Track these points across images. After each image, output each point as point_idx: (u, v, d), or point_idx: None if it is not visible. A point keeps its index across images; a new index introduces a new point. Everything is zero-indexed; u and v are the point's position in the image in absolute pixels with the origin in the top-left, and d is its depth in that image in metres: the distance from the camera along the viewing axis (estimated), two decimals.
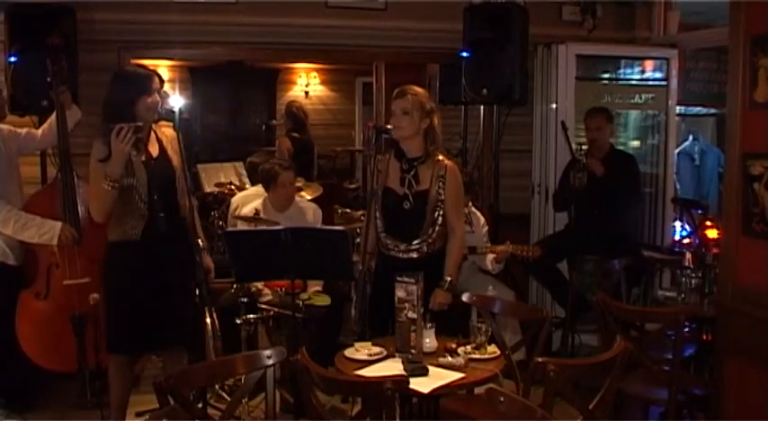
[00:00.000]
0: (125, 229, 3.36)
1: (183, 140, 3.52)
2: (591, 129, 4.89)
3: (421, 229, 3.44)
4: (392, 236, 3.48)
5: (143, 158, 3.37)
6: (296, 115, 7.08)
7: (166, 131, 3.52)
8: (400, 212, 3.45)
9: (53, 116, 4.05)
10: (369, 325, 3.33)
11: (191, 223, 3.53)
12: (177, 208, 3.47)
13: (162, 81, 3.45)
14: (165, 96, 3.49)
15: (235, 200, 5.10)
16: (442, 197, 3.44)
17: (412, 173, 3.45)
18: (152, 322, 3.39)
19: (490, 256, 4.53)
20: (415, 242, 3.44)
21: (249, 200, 4.86)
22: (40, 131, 4.18)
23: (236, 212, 4.85)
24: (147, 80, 3.38)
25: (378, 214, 3.49)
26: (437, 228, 3.46)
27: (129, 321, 3.40)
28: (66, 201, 3.87)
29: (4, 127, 4.08)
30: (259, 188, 4.95)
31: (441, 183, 3.44)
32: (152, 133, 3.46)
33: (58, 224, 3.82)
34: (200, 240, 3.57)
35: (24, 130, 4.17)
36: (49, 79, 3.95)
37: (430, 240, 3.46)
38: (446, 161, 3.49)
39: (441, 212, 3.45)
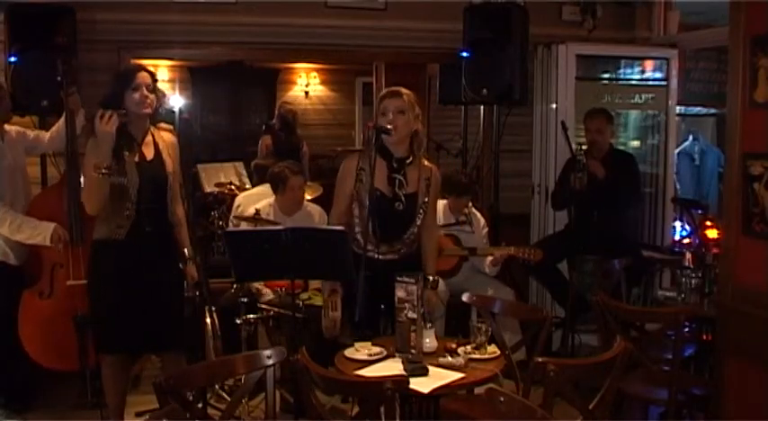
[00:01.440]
0: (111, 228, 3.35)
1: (182, 140, 3.52)
2: (591, 131, 4.85)
3: (407, 230, 3.45)
4: (377, 237, 3.42)
5: (136, 159, 3.36)
6: (284, 117, 7.09)
7: (165, 136, 3.50)
8: (392, 213, 3.41)
9: (61, 120, 4.05)
10: (357, 325, 3.31)
11: (180, 230, 3.54)
12: (165, 212, 3.46)
13: (154, 78, 3.41)
14: (162, 95, 3.46)
15: (239, 199, 5.10)
16: (427, 200, 3.47)
17: (401, 173, 3.42)
18: (138, 323, 3.38)
19: (488, 259, 4.53)
20: (396, 243, 3.44)
21: (253, 200, 4.86)
22: (48, 135, 4.18)
23: (238, 212, 4.85)
24: (132, 75, 3.36)
25: (358, 213, 3.42)
26: (415, 230, 3.48)
27: (113, 322, 3.39)
28: (72, 202, 3.87)
29: (13, 128, 4.09)
30: (264, 188, 4.94)
31: (426, 187, 3.45)
32: (149, 135, 3.45)
33: (51, 225, 3.82)
34: (186, 250, 3.57)
35: (33, 133, 4.18)
36: (59, 78, 3.92)
37: (408, 242, 3.47)
38: (430, 165, 3.53)
39: (423, 215, 3.48)
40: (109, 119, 3.16)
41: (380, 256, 3.42)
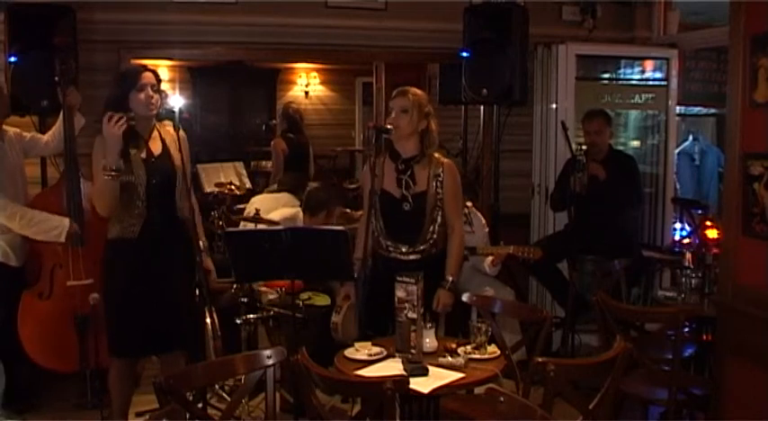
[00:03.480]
0: (123, 227, 3.34)
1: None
2: (590, 133, 4.83)
3: (422, 230, 3.43)
4: (392, 238, 3.46)
5: (143, 156, 3.35)
6: (292, 117, 7.09)
7: (171, 131, 3.48)
8: (400, 214, 3.42)
9: (57, 124, 4.04)
10: (367, 325, 3.32)
11: (191, 224, 3.50)
12: (175, 208, 3.44)
13: (158, 78, 3.40)
14: (164, 95, 3.46)
15: (258, 202, 5.04)
16: (441, 196, 3.43)
17: (408, 173, 3.42)
18: (151, 324, 3.37)
19: (488, 259, 4.53)
20: (418, 244, 3.42)
21: (272, 206, 4.83)
22: (45, 138, 4.17)
23: (253, 213, 4.83)
24: (136, 75, 3.34)
25: (375, 217, 3.43)
26: (437, 228, 3.45)
27: (128, 323, 3.37)
28: (71, 203, 3.86)
29: (11, 129, 4.08)
30: (283, 196, 4.93)
31: (438, 182, 3.42)
32: (155, 131, 3.44)
33: (66, 220, 3.80)
34: (201, 242, 3.55)
35: (29, 135, 4.17)
36: (57, 78, 3.90)
37: (432, 241, 3.45)
38: (442, 159, 3.47)
39: (440, 212, 3.44)
40: (117, 121, 3.14)
41: (402, 257, 3.44)
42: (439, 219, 3.45)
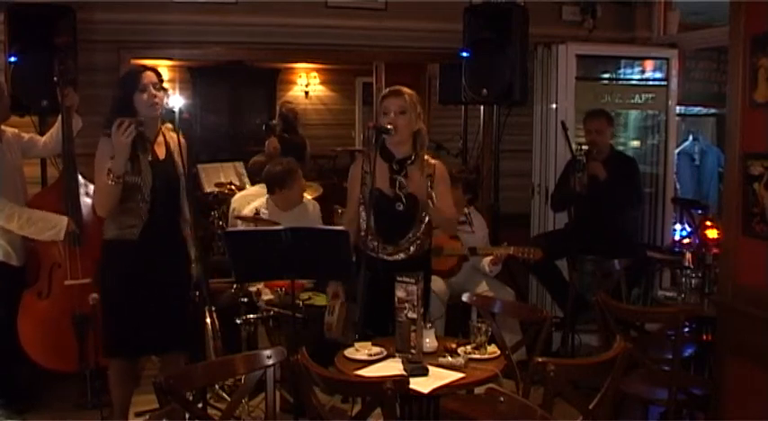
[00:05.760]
0: (122, 228, 3.34)
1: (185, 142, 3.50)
2: (591, 132, 4.85)
3: (410, 231, 3.45)
4: (380, 238, 3.44)
5: (150, 158, 3.35)
6: (286, 116, 7.12)
7: (174, 136, 3.49)
8: (392, 214, 3.42)
9: (56, 126, 4.04)
10: (367, 325, 3.31)
11: (189, 231, 3.51)
12: (179, 212, 3.46)
13: (160, 77, 3.40)
14: (167, 93, 3.45)
15: (235, 200, 5.09)
16: (431, 192, 3.40)
17: (402, 174, 3.42)
18: (147, 325, 3.37)
19: (487, 259, 4.53)
20: (404, 245, 3.44)
21: (249, 200, 4.85)
22: (43, 139, 4.17)
23: (234, 214, 4.85)
24: (137, 76, 3.35)
25: (365, 215, 3.40)
26: (422, 227, 3.47)
27: (124, 324, 3.38)
28: (69, 203, 3.86)
29: (9, 130, 4.08)
30: (259, 188, 4.93)
31: (429, 183, 3.41)
32: (161, 135, 3.44)
33: (65, 219, 3.81)
34: (192, 251, 3.55)
35: (28, 135, 4.17)
36: (55, 78, 3.91)
37: (418, 243, 3.46)
38: (432, 160, 3.50)
39: (426, 214, 3.46)
40: (126, 129, 3.15)
41: (388, 257, 3.44)
42: (426, 219, 3.47)
